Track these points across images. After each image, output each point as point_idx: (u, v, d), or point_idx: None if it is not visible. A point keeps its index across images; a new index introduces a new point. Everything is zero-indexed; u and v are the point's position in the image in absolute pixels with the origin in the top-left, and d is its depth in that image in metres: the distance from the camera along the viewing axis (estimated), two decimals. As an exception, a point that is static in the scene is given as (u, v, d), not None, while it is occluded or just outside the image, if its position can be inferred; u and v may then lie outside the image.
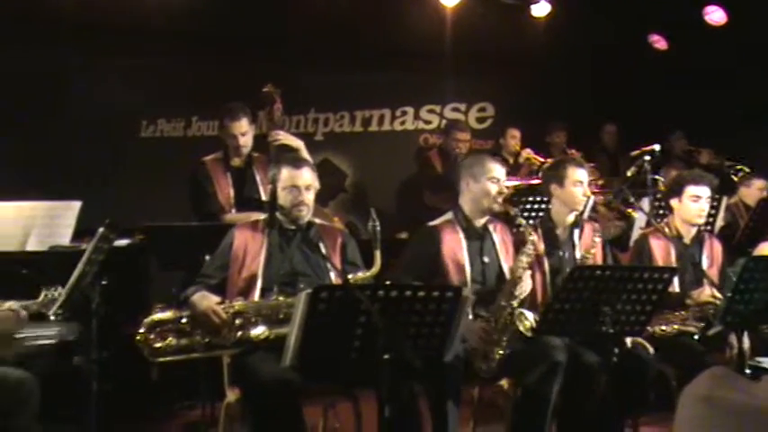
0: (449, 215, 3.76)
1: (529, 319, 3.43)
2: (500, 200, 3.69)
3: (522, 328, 3.41)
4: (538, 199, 4.66)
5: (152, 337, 3.17)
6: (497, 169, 3.69)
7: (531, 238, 3.57)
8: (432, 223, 3.75)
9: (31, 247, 4.00)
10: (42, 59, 5.83)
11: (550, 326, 3.35)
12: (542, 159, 6.30)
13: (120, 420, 4.20)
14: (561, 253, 3.88)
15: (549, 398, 3.37)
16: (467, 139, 6.12)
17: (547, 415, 3.39)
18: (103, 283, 3.60)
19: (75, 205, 4.12)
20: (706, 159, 6.65)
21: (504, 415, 3.61)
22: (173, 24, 6.05)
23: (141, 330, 3.16)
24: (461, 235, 3.68)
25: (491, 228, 3.77)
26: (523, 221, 3.66)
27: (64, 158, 5.93)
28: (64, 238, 4.02)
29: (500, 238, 3.77)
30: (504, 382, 3.55)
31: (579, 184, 3.88)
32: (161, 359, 3.21)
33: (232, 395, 3.26)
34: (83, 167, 5.98)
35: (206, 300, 3.24)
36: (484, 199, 3.67)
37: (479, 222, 3.74)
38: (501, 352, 3.43)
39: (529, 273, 3.57)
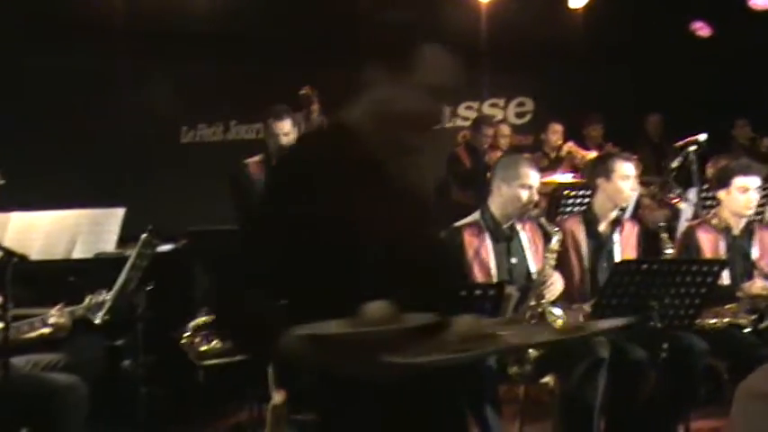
0: (475, 215, 3.70)
1: (556, 314, 3.37)
2: (529, 208, 3.61)
3: (555, 326, 3.35)
4: (581, 193, 4.59)
5: (197, 340, 3.20)
6: (532, 176, 3.59)
7: (556, 236, 3.52)
8: (456, 224, 3.70)
9: (78, 254, 4.07)
10: (86, 66, 5.95)
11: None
12: (584, 152, 6.21)
13: (168, 422, 4.24)
14: (602, 247, 3.81)
15: (595, 395, 3.30)
16: (503, 133, 6.05)
17: (593, 413, 3.32)
18: (149, 288, 3.66)
19: (119, 212, 4.18)
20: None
21: (552, 412, 3.57)
22: (211, 29, 6.12)
23: (186, 334, 3.19)
24: (487, 236, 3.61)
25: (519, 227, 3.70)
26: (544, 221, 3.59)
27: (108, 165, 6.04)
28: (109, 244, 4.08)
29: (529, 237, 3.69)
30: (548, 380, 3.50)
31: (627, 179, 3.80)
32: (207, 362, 3.23)
33: (278, 397, 3.26)
34: (126, 174, 6.08)
35: None
36: (513, 205, 3.59)
37: (507, 223, 3.67)
38: (534, 353, 3.38)
39: (557, 273, 3.51)
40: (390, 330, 1.56)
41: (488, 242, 3.59)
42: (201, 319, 3.22)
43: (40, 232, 4.15)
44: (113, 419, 3.65)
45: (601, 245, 3.81)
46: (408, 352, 1.56)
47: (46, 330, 3.02)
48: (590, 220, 3.86)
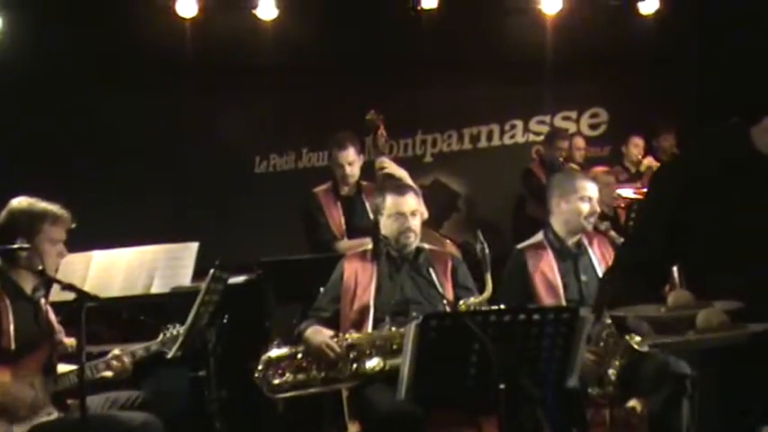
0: (538, 236, 3.61)
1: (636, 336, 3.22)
2: (592, 220, 3.52)
3: (634, 345, 3.20)
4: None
5: (270, 373, 3.20)
6: (589, 188, 3.53)
7: None
8: (519, 246, 3.62)
9: (156, 289, 4.15)
10: (158, 102, 6.11)
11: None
12: (665, 167, 5.99)
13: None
14: None
15: (681, 417, 3.13)
16: (578, 146, 5.91)
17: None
18: (224, 320, 3.69)
19: (193, 246, 4.25)
20: None
21: (640, 435, 3.42)
22: (279, 60, 6.20)
23: (259, 368, 3.19)
24: (551, 255, 3.52)
25: (586, 243, 3.59)
26: (614, 235, 3.46)
27: (183, 198, 6.18)
28: (185, 278, 4.14)
29: (598, 252, 3.58)
30: (634, 403, 3.35)
31: None
32: (280, 395, 3.23)
33: (353, 428, 3.24)
34: (202, 206, 6.21)
35: (319, 334, 3.24)
36: (575, 219, 3.51)
37: (572, 240, 3.57)
38: (613, 372, 3.24)
39: None
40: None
41: (553, 262, 3.49)
42: (273, 353, 3.22)
43: (120, 269, 4.26)
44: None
45: None
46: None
47: (108, 374, 3.06)
48: None
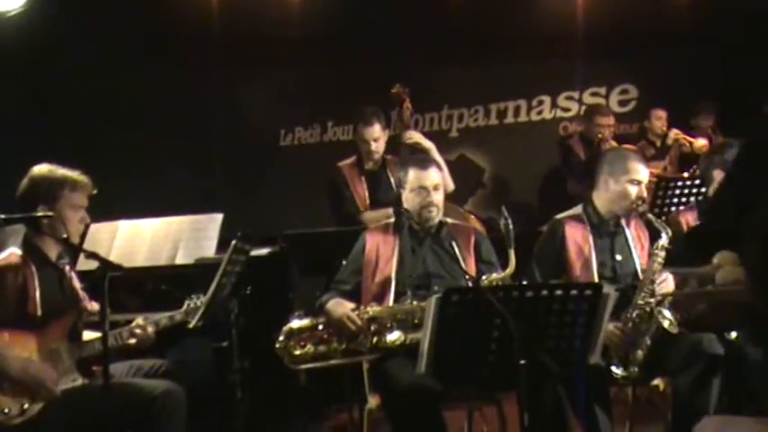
0: (578, 209, 3.56)
1: (668, 317, 3.18)
2: (638, 203, 3.42)
3: (665, 326, 3.16)
4: (688, 183, 4.34)
5: (291, 344, 3.21)
6: (641, 171, 3.43)
7: (666, 233, 3.32)
8: (558, 216, 3.57)
9: (180, 260, 4.19)
10: (183, 74, 6.11)
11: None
12: (692, 139, 5.88)
13: (269, 424, 4.32)
14: None
15: (710, 397, 3.11)
16: (610, 123, 5.82)
17: (709, 414, 3.12)
18: (247, 292, 3.71)
19: (218, 218, 4.27)
20: None
21: (663, 414, 3.39)
22: (305, 33, 6.17)
23: (280, 338, 3.21)
24: (589, 230, 3.47)
25: (623, 223, 3.53)
26: (653, 218, 3.39)
27: (209, 171, 6.20)
28: (209, 250, 4.17)
29: (634, 233, 3.52)
30: (658, 382, 3.33)
31: None
32: (301, 366, 3.24)
33: (373, 401, 3.25)
34: (227, 179, 6.23)
35: (341, 306, 3.24)
36: (621, 201, 3.43)
37: (612, 219, 3.51)
38: (641, 353, 3.21)
39: (667, 273, 3.31)
40: None
41: (590, 237, 3.44)
42: (294, 324, 3.23)
43: (145, 239, 4.30)
44: (214, 422, 3.73)
45: None
46: None
47: (132, 341, 3.09)
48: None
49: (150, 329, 3.09)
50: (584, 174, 5.51)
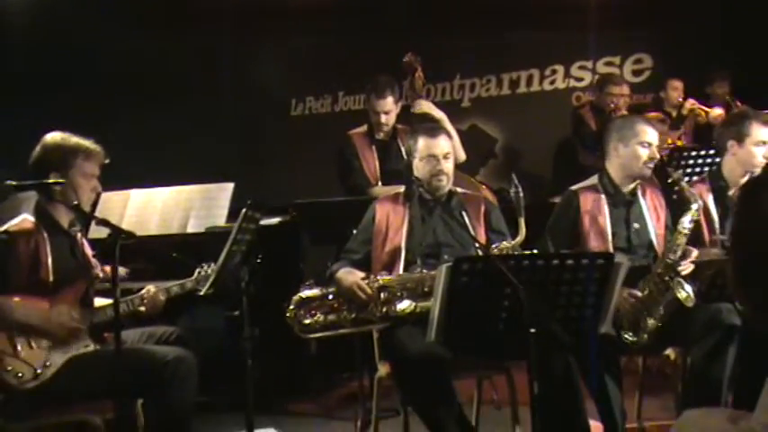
0: (593, 179, 3.54)
1: (686, 290, 3.16)
2: (651, 165, 3.43)
3: (680, 297, 3.14)
4: (702, 153, 4.30)
5: (301, 313, 3.22)
6: (650, 133, 3.42)
7: (696, 203, 3.27)
8: (573, 187, 3.55)
9: (191, 228, 4.20)
10: (194, 41, 6.09)
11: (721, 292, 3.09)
12: (707, 109, 5.81)
13: (280, 393, 4.36)
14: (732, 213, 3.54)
15: (725, 368, 3.10)
16: (623, 93, 5.75)
17: (723, 387, 3.12)
18: (258, 260, 3.72)
19: (229, 186, 4.28)
20: None
21: (673, 385, 3.39)
22: (318, 1, 6.12)
23: (290, 307, 3.22)
24: (604, 200, 3.45)
25: (639, 192, 3.51)
26: (686, 186, 3.34)
27: (219, 139, 6.19)
28: (220, 218, 4.19)
29: (650, 203, 3.50)
30: (670, 352, 3.32)
31: (762, 145, 3.53)
32: (311, 335, 3.26)
33: (383, 369, 3.26)
34: (238, 148, 6.23)
35: (351, 275, 3.24)
36: (633, 165, 3.42)
37: (627, 188, 3.49)
38: (653, 322, 3.19)
39: (695, 250, 3.28)
40: None
41: (606, 207, 3.43)
42: (304, 293, 3.23)
43: (157, 208, 4.32)
44: (225, 389, 3.76)
45: (729, 212, 3.55)
46: None
47: (142, 309, 3.11)
48: (719, 186, 3.61)
49: (162, 297, 3.10)
50: (594, 144, 5.47)
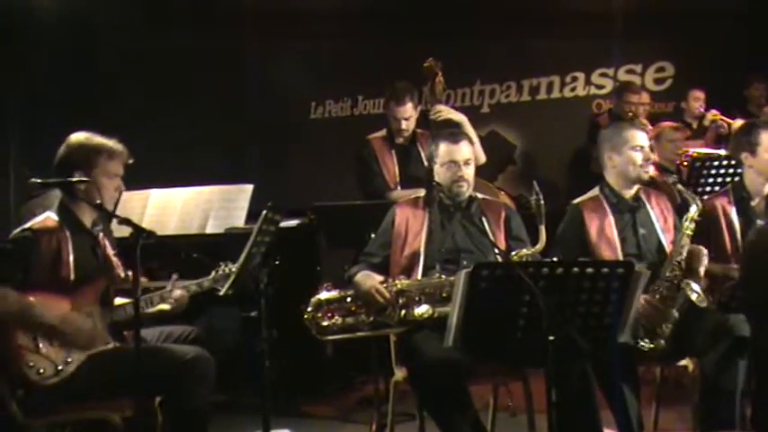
0: (594, 190, 3.55)
1: (696, 290, 3.16)
2: (648, 168, 3.45)
3: (693, 299, 3.14)
4: (725, 163, 4.27)
5: (319, 315, 3.23)
6: (639, 136, 3.45)
7: (695, 204, 3.31)
8: (575, 201, 3.56)
9: (210, 229, 4.23)
10: (215, 45, 6.12)
11: (740, 303, 3.07)
12: (730, 120, 5.77)
13: (296, 395, 4.37)
14: (758, 224, 3.52)
15: (735, 379, 3.08)
16: (642, 101, 5.73)
17: (735, 397, 3.11)
18: (276, 262, 3.74)
19: (248, 188, 4.31)
20: None
21: (690, 396, 3.37)
22: (338, 5, 6.14)
23: (308, 309, 3.23)
24: (608, 210, 3.45)
25: (644, 197, 3.51)
26: (683, 188, 3.38)
27: (239, 141, 6.23)
28: (239, 220, 4.21)
29: (656, 207, 3.51)
30: (687, 362, 3.31)
31: None
32: (328, 337, 3.27)
33: (400, 373, 3.27)
34: (256, 150, 6.26)
35: (369, 279, 3.25)
36: (630, 169, 3.44)
37: (629, 194, 3.49)
38: (668, 326, 3.18)
39: (701, 247, 3.29)
40: None
41: (610, 216, 3.43)
42: (322, 296, 3.25)
43: (176, 208, 4.36)
44: (242, 390, 3.78)
45: (755, 221, 3.54)
46: None
47: (165, 306, 3.14)
48: (741, 196, 3.60)
49: (186, 294, 3.12)
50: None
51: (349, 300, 3.25)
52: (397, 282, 3.21)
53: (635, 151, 3.42)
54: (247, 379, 3.72)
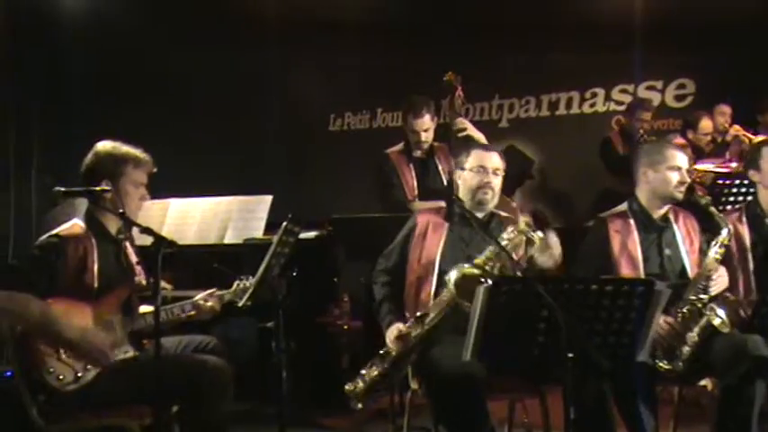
0: (623, 206, 3.52)
1: (720, 316, 3.12)
2: (682, 189, 3.41)
3: (716, 324, 3.11)
4: (744, 182, 4.25)
5: (360, 385, 3.26)
6: (679, 157, 3.41)
7: (726, 227, 3.27)
8: (602, 215, 3.53)
9: (229, 239, 4.25)
10: (236, 57, 6.19)
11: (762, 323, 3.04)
12: (752, 136, 5.74)
13: (312, 406, 4.37)
14: None
15: (753, 399, 3.05)
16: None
17: (752, 418, 3.07)
18: (294, 273, 3.75)
19: (267, 199, 4.33)
20: None
21: (709, 416, 3.35)
22: (358, 18, 6.18)
23: (354, 389, 3.27)
24: (634, 227, 3.42)
25: (672, 218, 3.48)
26: (715, 211, 3.33)
27: (258, 153, 6.27)
28: (257, 231, 4.23)
29: (683, 228, 3.47)
30: (706, 382, 3.28)
31: None
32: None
33: (415, 385, 3.26)
34: (275, 161, 6.30)
35: (395, 329, 3.22)
36: (664, 188, 3.40)
37: (658, 213, 3.46)
38: (687, 350, 3.16)
39: (723, 268, 3.26)
40: None
41: (636, 233, 3.40)
42: (368, 376, 3.25)
43: (195, 218, 4.38)
44: (259, 400, 3.79)
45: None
46: None
47: (194, 313, 3.18)
48: (755, 214, 3.57)
49: (216, 303, 3.17)
50: (619, 168, 5.45)
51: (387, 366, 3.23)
52: (416, 329, 3.17)
53: (672, 171, 3.39)
54: (265, 389, 3.73)
